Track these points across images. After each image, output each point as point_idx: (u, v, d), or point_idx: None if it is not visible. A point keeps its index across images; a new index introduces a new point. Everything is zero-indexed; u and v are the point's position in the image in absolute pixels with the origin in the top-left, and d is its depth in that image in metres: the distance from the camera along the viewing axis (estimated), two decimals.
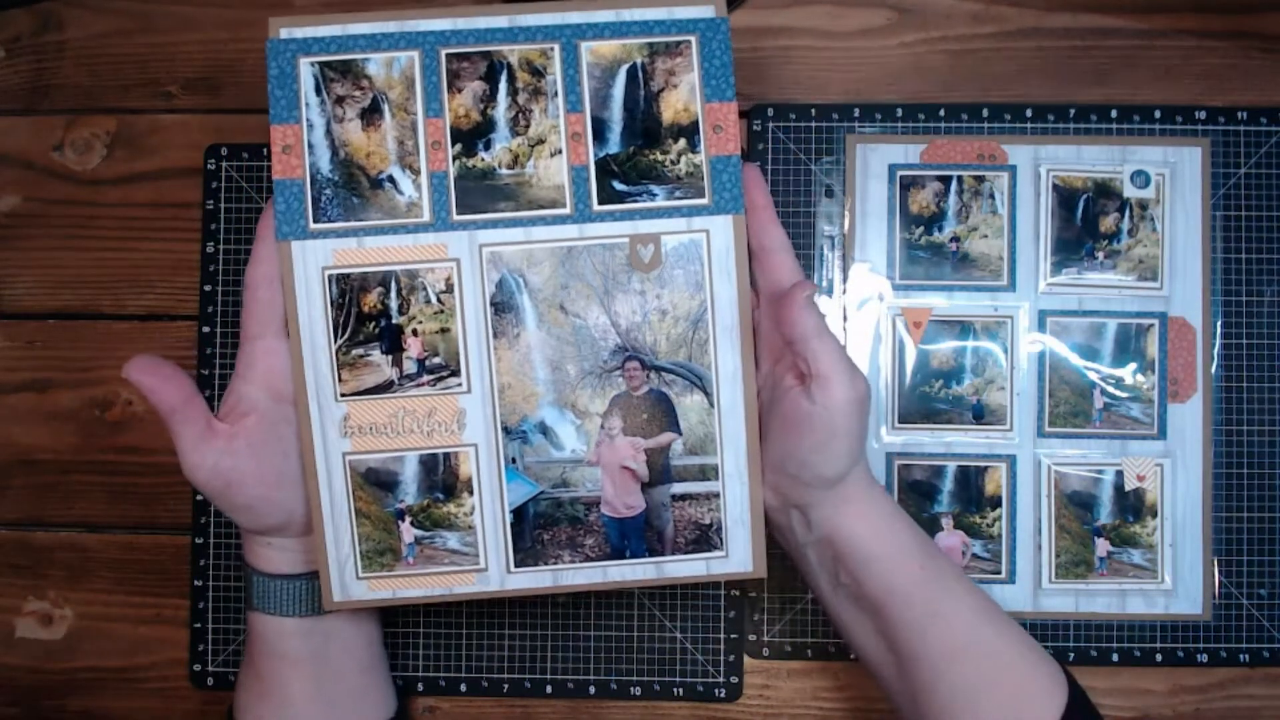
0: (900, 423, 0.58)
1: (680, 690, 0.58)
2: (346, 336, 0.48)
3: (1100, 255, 0.58)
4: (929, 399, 0.58)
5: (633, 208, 0.48)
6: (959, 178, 0.59)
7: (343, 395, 0.48)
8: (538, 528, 0.49)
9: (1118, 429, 0.58)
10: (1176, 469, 0.58)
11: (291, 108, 0.48)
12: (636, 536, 0.49)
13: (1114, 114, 0.59)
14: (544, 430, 0.49)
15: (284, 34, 0.48)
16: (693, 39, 0.48)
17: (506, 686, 0.59)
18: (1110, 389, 0.58)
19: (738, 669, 0.58)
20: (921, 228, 0.59)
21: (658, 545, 0.49)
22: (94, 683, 0.60)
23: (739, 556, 0.49)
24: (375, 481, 0.49)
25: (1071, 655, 0.58)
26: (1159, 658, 0.57)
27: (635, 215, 0.48)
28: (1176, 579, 0.57)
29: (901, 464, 0.58)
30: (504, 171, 0.48)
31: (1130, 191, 0.58)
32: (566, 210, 0.48)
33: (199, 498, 0.60)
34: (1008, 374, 0.58)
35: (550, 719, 0.59)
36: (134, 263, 0.61)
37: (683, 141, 0.48)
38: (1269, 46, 0.59)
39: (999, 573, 0.58)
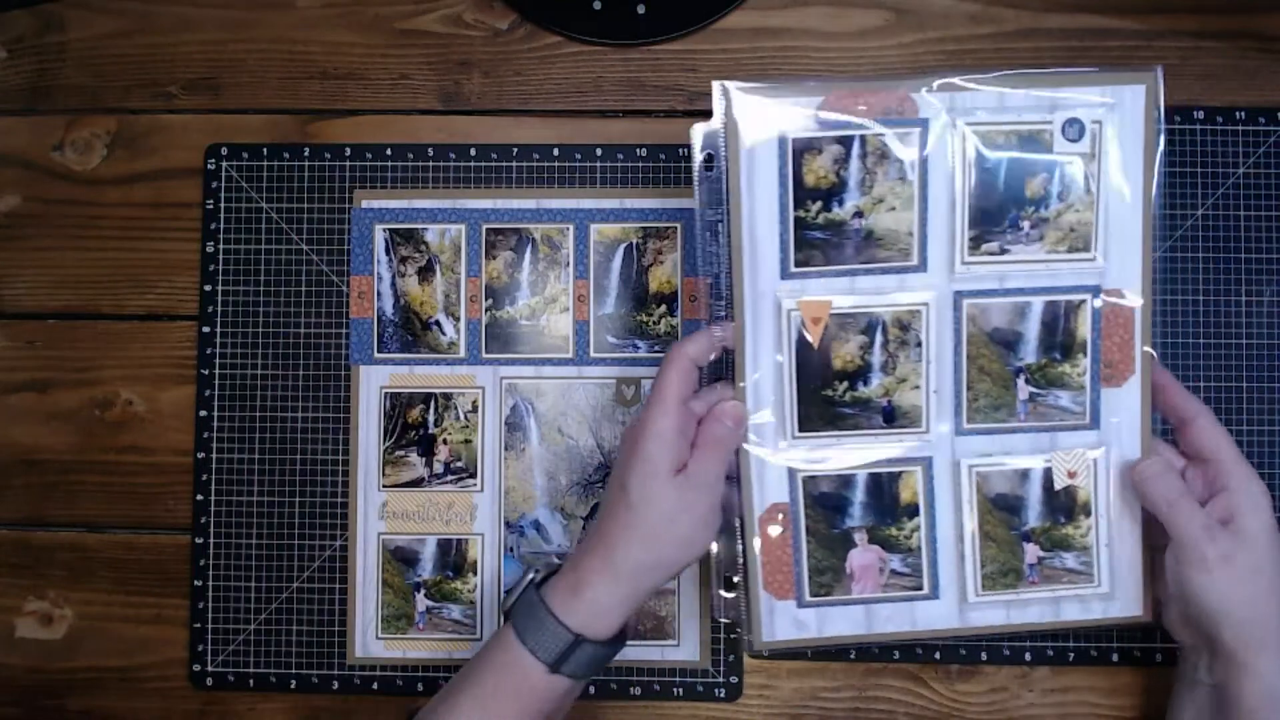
0: (801, 431, 0.51)
1: (680, 690, 0.58)
2: (393, 440, 0.60)
3: (1026, 225, 0.50)
4: (832, 403, 0.51)
5: (620, 356, 0.59)
6: (861, 139, 0.50)
7: (384, 485, 0.59)
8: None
9: (1045, 420, 0.52)
10: (1111, 460, 0.52)
11: (367, 262, 0.60)
12: None
13: None
14: (537, 526, 0.59)
15: (365, 204, 0.59)
16: (678, 226, 0.59)
17: None
18: (1035, 377, 0.52)
19: (738, 669, 0.58)
20: (819, 202, 0.50)
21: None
22: (94, 683, 0.60)
23: (689, 647, 0.58)
24: (400, 558, 0.59)
25: (1071, 655, 0.57)
26: (1159, 657, 0.57)
27: (622, 362, 0.59)
28: (1114, 580, 0.52)
29: (805, 476, 0.51)
30: (523, 322, 0.60)
31: (1061, 146, 0.50)
32: (569, 354, 0.59)
33: (199, 497, 0.60)
34: (922, 370, 0.51)
35: None
36: (134, 263, 0.61)
37: (664, 307, 0.59)
38: (1267, 46, 0.59)
39: (920, 588, 0.52)
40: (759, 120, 0.49)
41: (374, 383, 0.60)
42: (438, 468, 0.59)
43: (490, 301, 0.60)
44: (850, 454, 0.52)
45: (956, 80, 0.49)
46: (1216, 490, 0.49)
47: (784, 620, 0.52)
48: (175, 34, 0.62)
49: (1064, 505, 0.52)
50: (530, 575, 0.49)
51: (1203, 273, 0.58)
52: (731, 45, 0.61)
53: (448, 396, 0.60)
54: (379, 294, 0.60)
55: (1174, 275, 0.58)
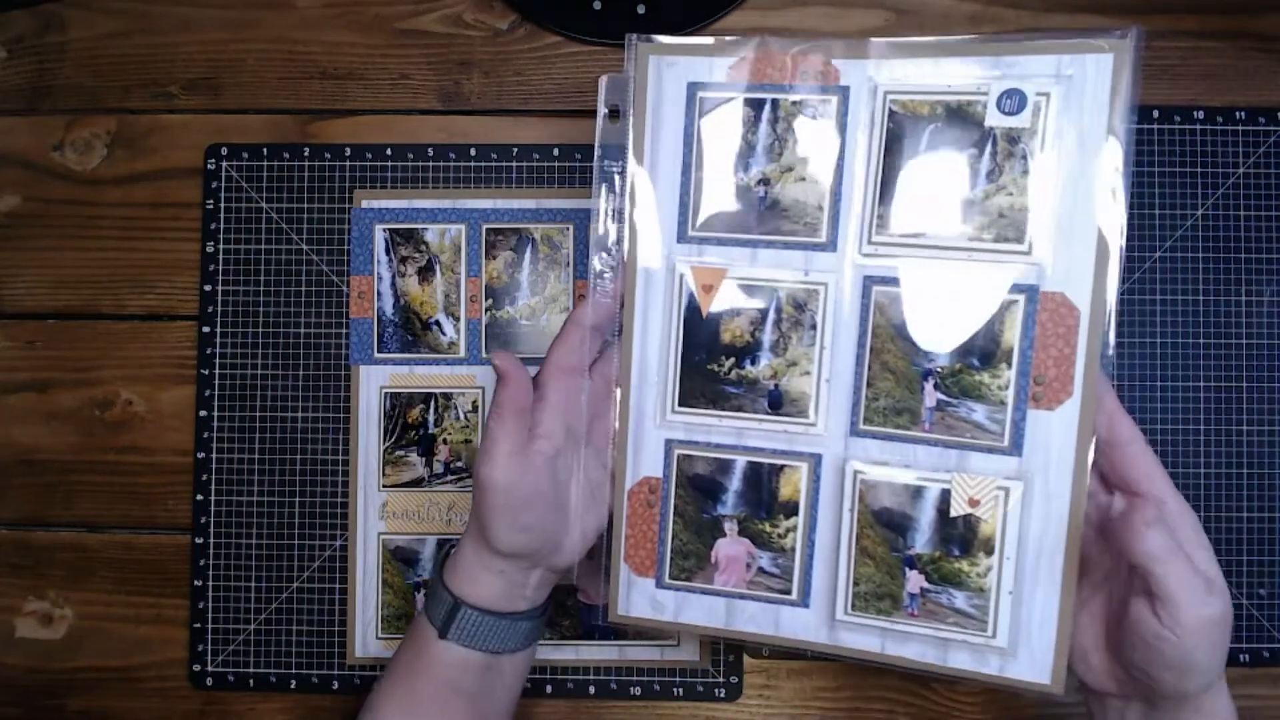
0: (681, 405, 0.48)
1: (680, 690, 0.58)
2: (393, 440, 0.60)
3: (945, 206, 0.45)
4: (715, 379, 0.47)
5: None
6: (774, 102, 0.46)
7: (384, 486, 0.59)
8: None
9: (953, 434, 0.45)
10: (1032, 496, 0.44)
11: (367, 262, 0.60)
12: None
13: None
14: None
15: (365, 204, 0.59)
16: None
17: None
18: (946, 383, 0.45)
19: (737, 669, 0.58)
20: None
21: (622, 631, 0.57)
22: (94, 683, 0.60)
23: (689, 647, 0.58)
24: (400, 558, 0.59)
25: None
26: None
27: None
28: (1017, 636, 0.45)
29: (682, 454, 0.48)
30: (523, 322, 0.60)
31: (995, 119, 0.43)
32: None
33: (199, 497, 0.60)
34: (816, 356, 0.46)
35: (550, 719, 0.59)
36: (134, 263, 0.61)
37: None
38: (1267, 46, 0.59)
39: (789, 592, 0.47)
40: (668, 75, 0.47)
41: (374, 383, 0.60)
42: (438, 468, 0.59)
43: (490, 301, 0.60)
44: (733, 436, 0.48)
45: (886, 43, 0.45)
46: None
47: (640, 597, 0.49)
48: (175, 34, 0.62)
49: (961, 537, 0.45)
50: (445, 550, 0.50)
51: (1203, 273, 0.58)
52: None
53: (448, 396, 0.60)
54: (379, 294, 0.60)
55: (1174, 275, 0.58)
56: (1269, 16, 0.59)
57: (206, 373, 0.60)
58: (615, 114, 0.48)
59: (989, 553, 0.45)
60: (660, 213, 0.47)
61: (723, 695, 0.58)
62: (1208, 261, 0.58)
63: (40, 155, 0.62)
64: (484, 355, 0.60)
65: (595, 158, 0.48)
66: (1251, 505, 0.58)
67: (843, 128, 0.45)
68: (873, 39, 0.45)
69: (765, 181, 0.46)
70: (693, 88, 0.47)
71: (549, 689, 0.58)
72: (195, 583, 0.60)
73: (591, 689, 0.58)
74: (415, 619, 0.49)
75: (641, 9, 0.60)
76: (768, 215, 0.46)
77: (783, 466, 0.47)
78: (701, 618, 0.49)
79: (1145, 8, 0.60)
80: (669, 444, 0.48)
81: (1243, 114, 0.59)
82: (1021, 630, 0.45)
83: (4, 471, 0.61)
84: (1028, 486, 0.44)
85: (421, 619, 0.48)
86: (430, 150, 0.60)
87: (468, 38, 0.61)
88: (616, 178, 0.48)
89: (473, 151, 0.60)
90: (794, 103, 0.46)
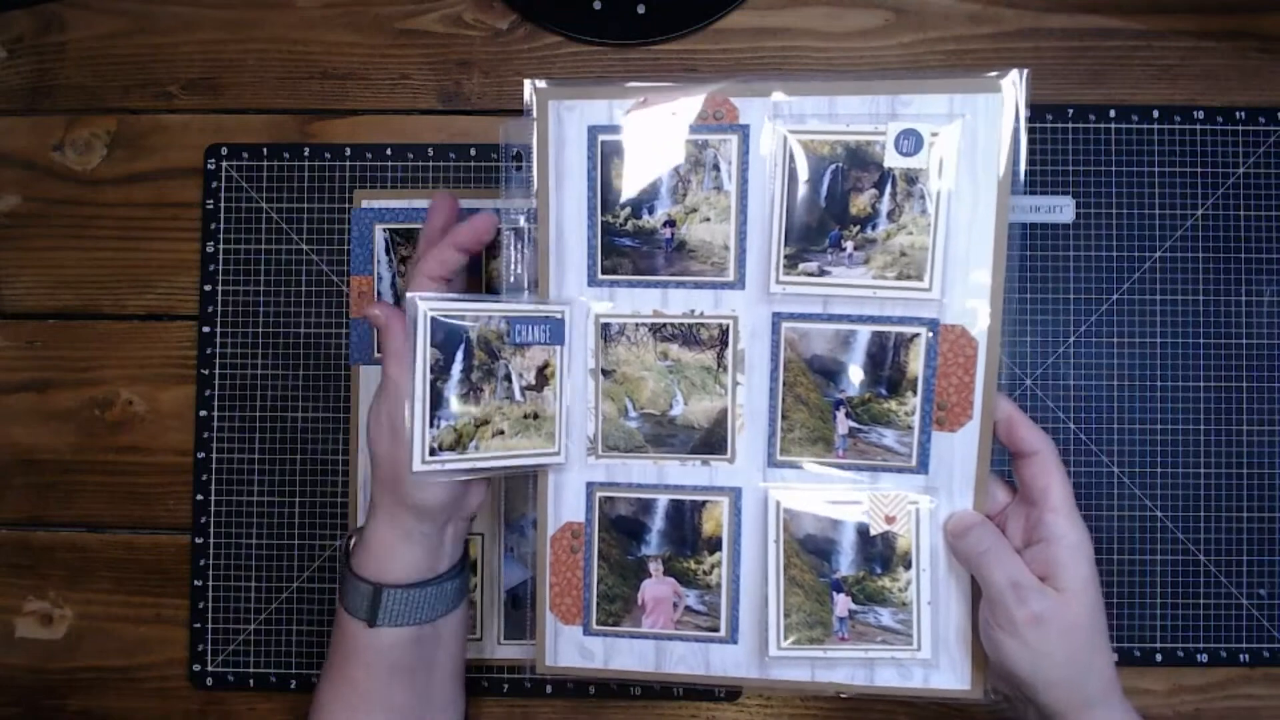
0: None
1: (680, 690, 0.58)
2: None
3: (849, 245, 0.46)
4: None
5: None
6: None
7: None
8: (527, 607, 0.56)
9: (865, 459, 0.47)
10: (939, 509, 0.47)
11: (367, 262, 0.59)
12: None
13: (1112, 114, 0.59)
14: (536, 526, 0.54)
15: (365, 204, 0.58)
16: None
17: (506, 686, 0.59)
18: (857, 411, 0.47)
19: None
20: (628, 209, 0.47)
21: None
22: (94, 683, 0.60)
23: None
24: None
25: None
26: (1159, 658, 0.57)
27: None
28: (937, 646, 0.47)
29: (603, 495, 0.49)
30: None
31: (894, 160, 0.45)
32: None
33: (199, 497, 0.60)
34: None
35: (550, 719, 0.59)
36: (134, 263, 0.61)
37: None
38: (1267, 46, 0.60)
39: (716, 629, 0.48)
40: (569, 121, 0.47)
41: (374, 383, 0.59)
42: None
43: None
44: (654, 475, 0.48)
45: (783, 82, 0.45)
46: (1035, 539, 0.45)
47: (568, 646, 0.50)
48: (175, 34, 0.62)
49: (881, 554, 0.47)
50: (346, 541, 0.49)
51: (1203, 273, 0.58)
52: (731, 45, 0.61)
53: None
54: (379, 294, 0.60)
55: (1174, 275, 0.58)
56: (1269, 16, 0.59)
57: (206, 373, 0.60)
58: (519, 161, 0.48)
59: (907, 567, 0.47)
60: (570, 258, 0.48)
61: (722, 695, 0.58)
62: (1208, 261, 0.58)
63: (40, 155, 0.62)
64: None
65: (502, 205, 0.48)
66: (1251, 505, 0.58)
67: (744, 167, 0.46)
68: (768, 78, 0.46)
69: (671, 223, 0.47)
70: (593, 131, 0.47)
71: (549, 689, 0.58)
72: (195, 583, 0.60)
73: (591, 689, 0.58)
74: (337, 615, 0.48)
75: (641, 9, 0.60)
76: (675, 256, 0.47)
77: (704, 502, 0.48)
78: (631, 663, 0.49)
79: (1145, 8, 0.60)
80: (590, 486, 0.49)
81: (1243, 114, 0.59)
82: (941, 639, 0.47)
83: (4, 471, 0.61)
84: (935, 500, 0.47)
85: (341, 613, 0.48)
86: (430, 150, 0.60)
87: (468, 38, 0.61)
88: (524, 225, 0.48)
89: (473, 151, 0.60)
90: (695, 143, 0.46)
